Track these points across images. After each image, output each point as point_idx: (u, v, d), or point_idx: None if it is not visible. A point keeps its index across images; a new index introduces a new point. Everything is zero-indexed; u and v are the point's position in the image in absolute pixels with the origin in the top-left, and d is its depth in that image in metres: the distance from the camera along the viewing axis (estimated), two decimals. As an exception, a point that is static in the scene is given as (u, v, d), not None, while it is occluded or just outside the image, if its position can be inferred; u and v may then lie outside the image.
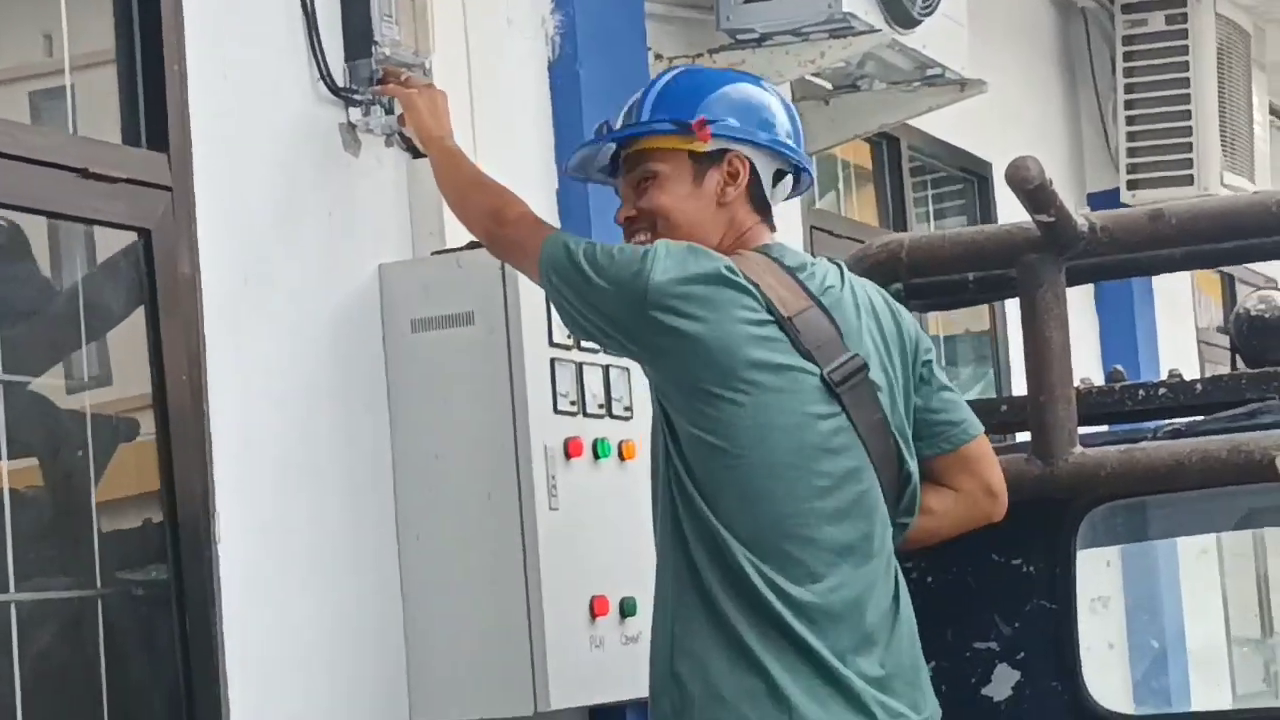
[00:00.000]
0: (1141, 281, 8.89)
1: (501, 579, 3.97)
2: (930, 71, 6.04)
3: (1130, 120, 8.53)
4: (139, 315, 3.60)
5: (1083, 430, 3.93)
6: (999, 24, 7.64)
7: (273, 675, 3.72)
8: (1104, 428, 4.28)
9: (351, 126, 4.06)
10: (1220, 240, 4.00)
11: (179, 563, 3.57)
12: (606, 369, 4.20)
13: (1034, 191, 3.70)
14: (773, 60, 5.33)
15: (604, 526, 4.12)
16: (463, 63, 4.38)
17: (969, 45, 6.13)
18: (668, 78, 3.62)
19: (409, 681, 4.03)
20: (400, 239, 4.17)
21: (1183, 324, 9.68)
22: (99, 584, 3.50)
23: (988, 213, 7.87)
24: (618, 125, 3.59)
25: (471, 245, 4.00)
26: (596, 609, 4.07)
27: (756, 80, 3.69)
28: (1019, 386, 6.14)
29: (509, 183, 3.78)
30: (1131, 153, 8.51)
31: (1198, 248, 4.05)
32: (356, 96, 4.04)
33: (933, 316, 7.50)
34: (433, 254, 4.14)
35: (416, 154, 4.12)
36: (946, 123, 7.19)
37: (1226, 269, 10.38)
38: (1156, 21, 8.45)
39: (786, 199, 3.69)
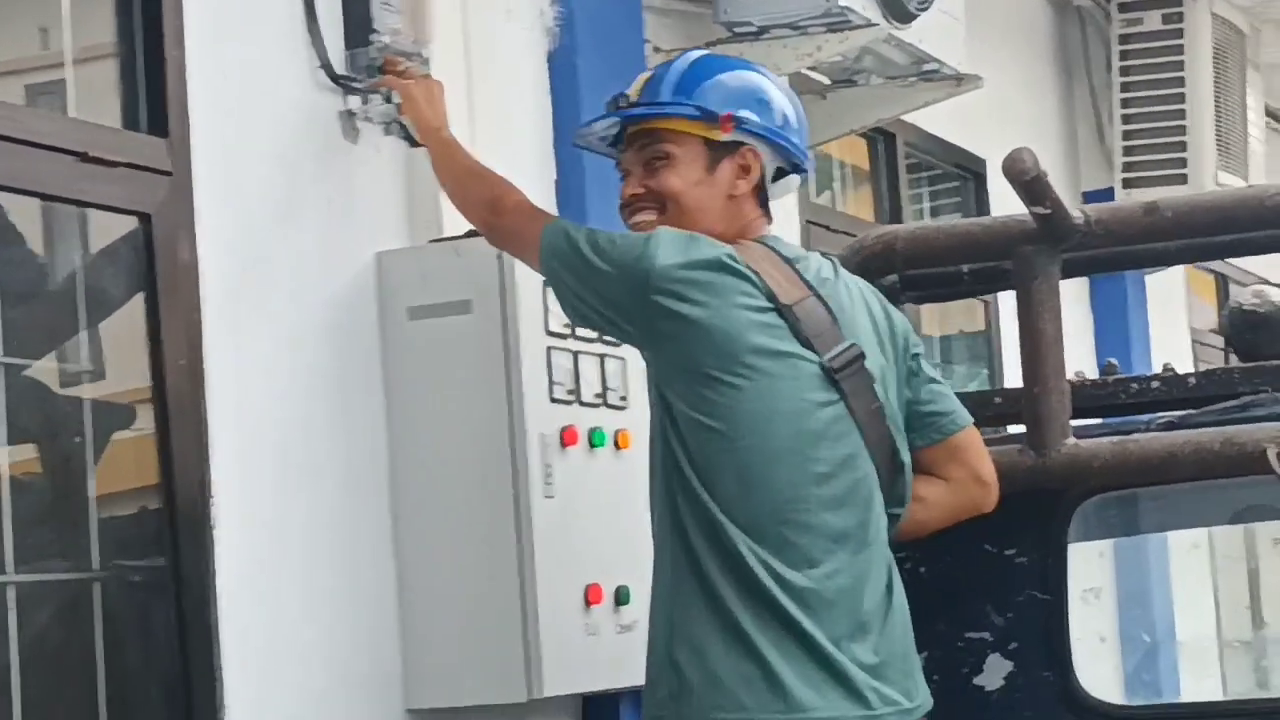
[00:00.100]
0: (1135, 282, 8.91)
1: (496, 566, 3.98)
2: (927, 66, 6.06)
3: (1126, 119, 8.55)
4: (138, 300, 3.62)
5: (1076, 423, 3.95)
6: (995, 22, 7.66)
7: (268, 661, 3.73)
8: (1097, 421, 4.30)
9: (350, 115, 4.07)
10: (1214, 234, 4.02)
11: (176, 548, 3.57)
12: (603, 358, 4.22)
13: (1030, 183, 3.73)
14: (770, 53, 5.35)
15: (599, 515, 4.14)
16: (461, 53, 4.39)
17: (965, 42, 6.15)
18: (690, 60, 3.62)
19: (403, 667, 4.05)
20: (398, 227, 4.18)
21: (1176, 325, 9.71)
22: (97, 567, 3.51)
23: (983, 210, 7.89)
24: (633, 98, 3.59)
25: (469, 234, 4.01)
26: (591, 597, 4.09)
27: (769, 74, 3.71)
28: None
29: (507, 173, 3.79)
30: (1127, 151, 8.54)
31: (1192, 241, 4.07)
32: (355, 85, 4.06)
33: (927, 317, 7.53)
34: (430, 242, 4.15)
35: (415, 143, 4.13)
36: (942, 119, 7.21)
37: (1220, 270, 10.41)
38: (1152, 20, 8.47)
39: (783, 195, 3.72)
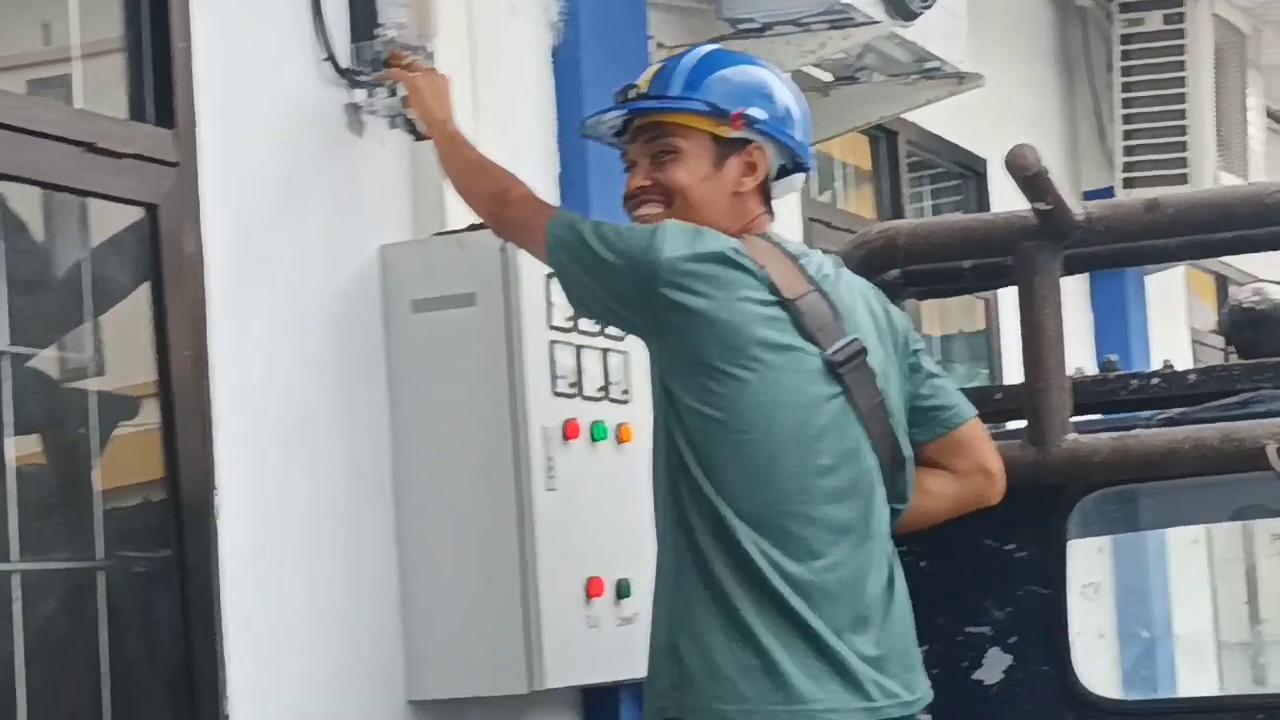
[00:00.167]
0: (1135, 281, 8.93)
1: (498, 558, 3.99)
2: (929, 64, 6.08)
3: (1126, 119, 8.57)
4: (143, 291, 3.64)
5: (1076, 419, 3.96)
6: (997, 21, 7.67)
7: (271, 650, 3.74)
8: (1098, 417, 4.31)
9: (355, 108, 4.09)
10: (1214, 230, 4.03)
11: (181, 538, 3.59)
12: (605, 352, 4.23)
13: (1032, 179, 3.74)
14: (773, 50, 5.36)
15: (600, 508, 4.15)
16: (466, 47, 4.41)
17: (967, 41, 6.17)
18: (700, 54, 3.63)
19: (405, 658, 4.06)
20: (402, 220, 4.20)
21: (1175, 324, 9.72)
22: (101, 556, 3.52)
23: (983, 208, 7.90)
24: (642, 89, 3.60)
25: (473, 227, 4.03)
26: (592, 590, 4.10)
27: (777, 71, 3.73)
28: (1013, 385, 6.15)
29: (510, 167, 3.80)
30: (1127, 151, 8.55)
31: (1192, 238, 4.08)
32: (361, 78, 4.07)
33: (927, 317, 7.54)
34: (434, 235, 4.17)
35: (419, 136, 4.15)
36: (944, 118, 7.23)
37: (1219, 271, 10.43)
38: (1154, 21, 8.49)
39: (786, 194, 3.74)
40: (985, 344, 8.14)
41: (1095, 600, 6.93)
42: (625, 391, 4.28)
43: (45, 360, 3.56)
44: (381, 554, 4.05)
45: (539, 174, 4.54)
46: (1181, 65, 8.45)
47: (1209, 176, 8.39)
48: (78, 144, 3.44)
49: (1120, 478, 3.94)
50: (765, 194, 3.63)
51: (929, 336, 7.71)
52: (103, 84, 3.69)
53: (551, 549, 4.01)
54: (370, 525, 4.03)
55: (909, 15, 5.55)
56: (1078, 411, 3.98)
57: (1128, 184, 8.50)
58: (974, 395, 3.83)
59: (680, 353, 3.42)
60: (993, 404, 4.15)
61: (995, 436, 3.88)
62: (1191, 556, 7.66)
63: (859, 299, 3.60)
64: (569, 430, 4.09)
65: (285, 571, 3.80)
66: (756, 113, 3.55)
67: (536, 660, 3.97)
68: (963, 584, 4.00)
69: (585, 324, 4.13)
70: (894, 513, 3.58)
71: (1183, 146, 8.44)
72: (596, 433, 4.17)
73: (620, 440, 4.23)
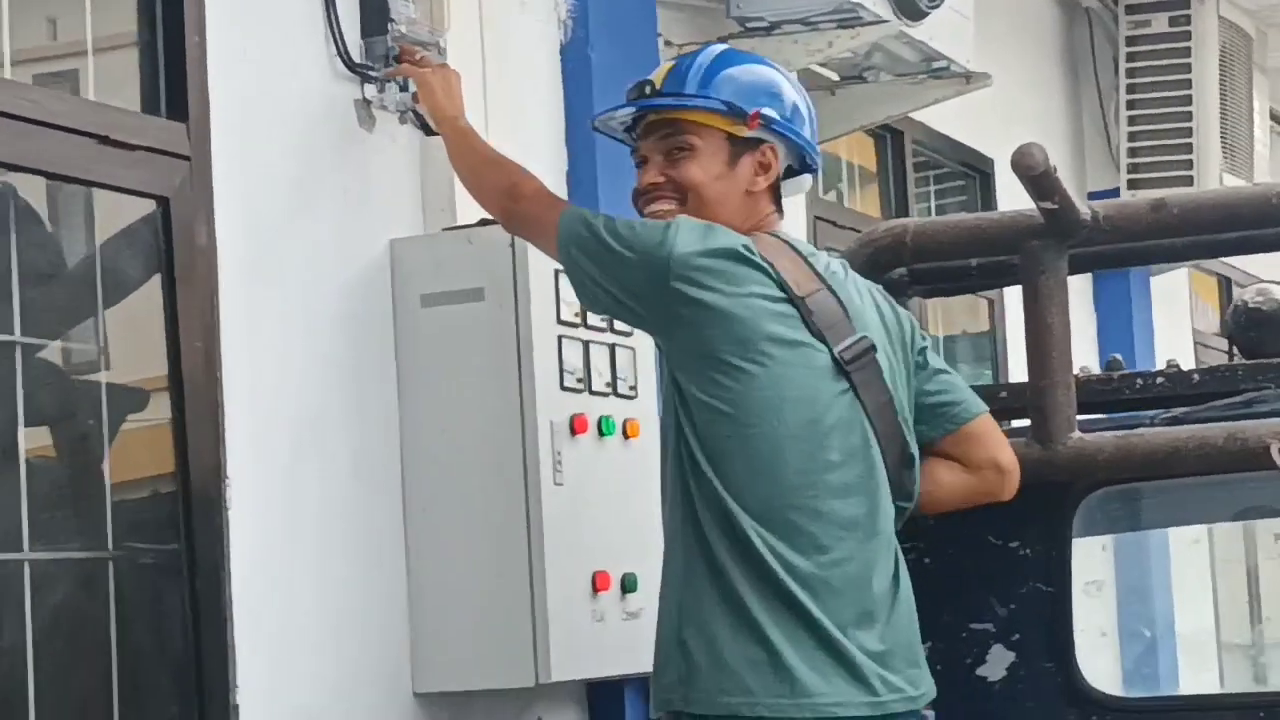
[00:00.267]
0: (1139, 282, 8.94)
1: (505, 552, 4.01)
2: (936, 64, 6.09)
3: (1132, 120, 8.58)
4: (155, 284, 3.65)
5: (1081, 418, 3.97)
6: (1004, 22, 7.68)
7: (279, 644, 3.76)
8: (1102, 416, 4.32)
9: (366, 103, 4.10)
10: (1220, 231, 4.05)
11: (190, 531, 3.60)
12: (613, 348, 4.25)
13: (1038, 178, 3.75)
14: (781, 49, 5.38)
15: (607, 503, 4.17)
16: (476, 43, 4.42)
17: (974, 41, 6.18)
18: (714, 53, 3.64)
19: (412, 651, 4.08)
20: (412, 215, 4.21)
21: (1179, 326, 9.73)
22: (111, 547, 3.54)
23: (989, 208, 7.91)
24: (657, 86, 3.61)
25: (482, 222, 4.04)
26: (598, 584, 4.12)
27: (785, 71, 3.75)
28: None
29: (520, 163, 3.82)
30: (1132, 153, 8.57)
31: (1198, 238, 4.09)
32: (372, 73, 4.09)
33: (931, 318, 7.55)
34: (444, 230, 4.18)
35: (429, 131, 4.17)
36: (950, 118, 7.24)
37: (1223, 272, 10.44)
38: (1160, 23, 8.50)
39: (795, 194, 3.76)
40: (989, 345, 8.15)
41: (1098, 598, 6.94)
42: (632, 387, 4.30)
43: (56, 352, 3.58)
44: (390, 547, 4.06)
45: (548, 170, 4.55)
46: (1187, 67, 8.46)
47: (1214, 178, 8.40)
48: (91, 136, 3.45)
49: (1124, 476, 3.95)
50: (776, 193, 3.65)
51: (932, 337, 7.71)
52: (113, 79, 3.71)
53: (558, 543, 4.02)
54: (379, 518, 4.04)
55: (917, 14, 5.57)
56: (1082, 410, 3.98)
57: (1132, 185, 8.50)
58: (979, 393, 3.84)
59: (690, 346, 3.43)
60: (998, 402, 4.16)
61: (1001, 435, 3.90)
62: (1194, 556, 7.66)
63: (867, 299, 3.62)
64: (576, 425, 4.11)
65: (294, 564, 3.81)
66: (770, 112, 3.57)
67: (542, 653, 3.99)
68: (967, 581, 4.02)
69: (593, 319, 4.14)
70: (899, 511, 3.59)
71: (1188, 148, 8.45)
72: (604, 428, 4.18)
73: (627, 435, 4.25)
